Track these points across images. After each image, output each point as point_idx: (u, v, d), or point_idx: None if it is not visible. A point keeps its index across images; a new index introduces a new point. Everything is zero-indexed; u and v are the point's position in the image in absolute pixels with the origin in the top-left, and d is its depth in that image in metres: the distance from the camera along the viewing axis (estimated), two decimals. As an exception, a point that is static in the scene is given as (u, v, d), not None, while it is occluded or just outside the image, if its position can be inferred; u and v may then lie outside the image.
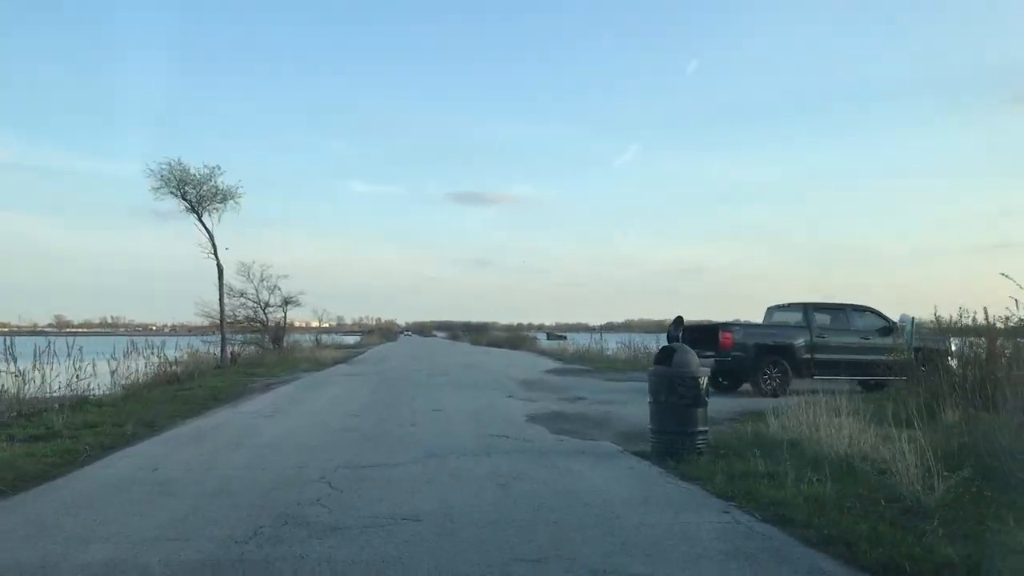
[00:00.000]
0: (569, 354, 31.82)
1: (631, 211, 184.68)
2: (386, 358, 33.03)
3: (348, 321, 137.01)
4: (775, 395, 12.79)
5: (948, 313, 10.55)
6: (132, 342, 17.11)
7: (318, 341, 45.47)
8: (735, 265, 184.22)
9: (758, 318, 16.04)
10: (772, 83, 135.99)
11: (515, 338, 50.15)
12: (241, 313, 33.01)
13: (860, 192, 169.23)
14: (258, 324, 33.48)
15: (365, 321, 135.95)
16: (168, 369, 16.85)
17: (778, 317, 15.40)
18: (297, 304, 34.67)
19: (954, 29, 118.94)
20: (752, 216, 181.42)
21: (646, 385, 7.49)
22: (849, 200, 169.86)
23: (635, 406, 11.17)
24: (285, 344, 33.92)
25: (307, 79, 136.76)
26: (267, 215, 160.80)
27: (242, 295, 32.98)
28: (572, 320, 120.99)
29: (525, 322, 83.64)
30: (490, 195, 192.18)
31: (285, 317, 34.36)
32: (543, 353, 35.95)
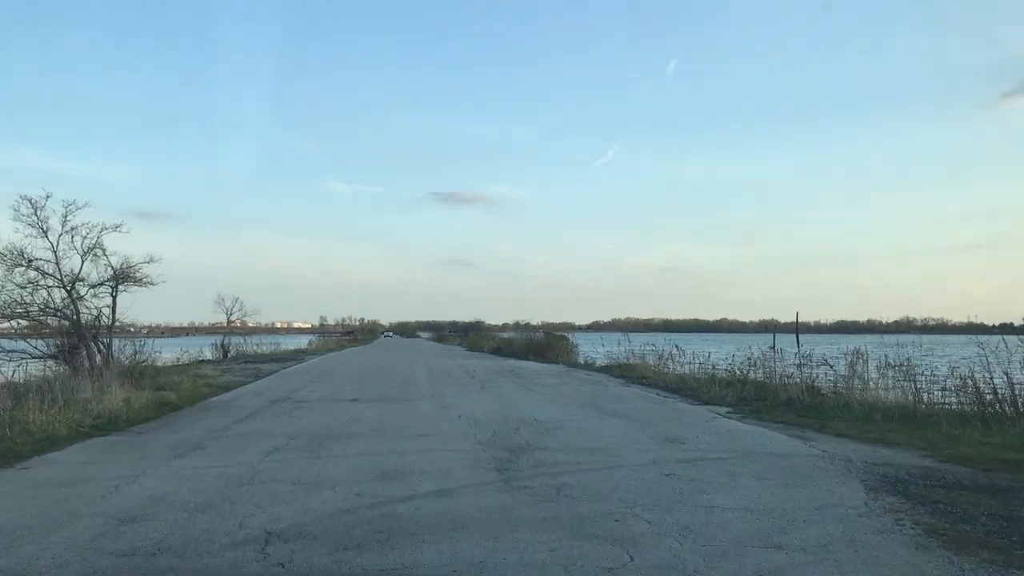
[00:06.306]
0: (670, 379, 14.72)
1: (611, 212, 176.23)
2: (282, 411, 15.46)
3: (331, 321, 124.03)
4: None
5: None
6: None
7: (225, 349, 28.20)
8: (713, 265, 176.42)
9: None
10: (752, 84, 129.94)
11: (538, 345, 31.99)
12: (31, 299, 16.11)
13: (838, 193, 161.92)
14: (61, 320, 16.40)
15: (348, 321, 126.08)
16: None
17: None
18: (143, 282, 17.43)
19: (926, 33, 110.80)
20: (731, 217, 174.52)
21: None
22: (827, 201, 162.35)
23: None
24: (121, 359, 16.74)
25: (285, 80, 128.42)
26: (246, 216, 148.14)
27: (28, 262, 16.02)
28: (557, 319, 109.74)
29: (511, 321, 68.29)
30: (471, 195, 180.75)
31: (114, 309, 16.97)
32: (623, 376, 18.67)
